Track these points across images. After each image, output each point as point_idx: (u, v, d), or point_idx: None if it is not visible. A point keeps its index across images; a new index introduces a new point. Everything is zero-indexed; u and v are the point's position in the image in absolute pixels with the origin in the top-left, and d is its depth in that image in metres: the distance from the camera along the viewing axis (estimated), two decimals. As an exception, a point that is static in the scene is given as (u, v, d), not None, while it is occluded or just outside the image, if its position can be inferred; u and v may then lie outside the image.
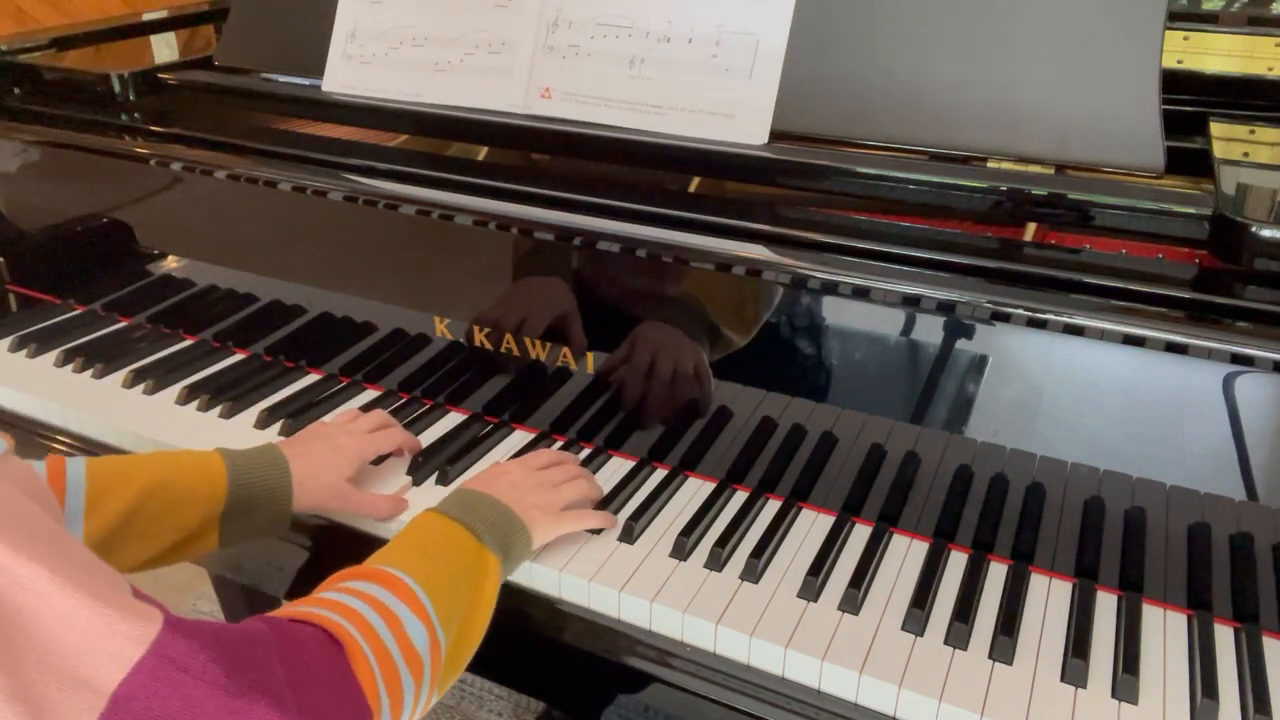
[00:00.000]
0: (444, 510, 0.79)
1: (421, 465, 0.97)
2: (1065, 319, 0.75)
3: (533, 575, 0.85)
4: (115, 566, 0.75)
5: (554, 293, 0.95)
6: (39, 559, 0.47)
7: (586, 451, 1.00)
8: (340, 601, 0.64)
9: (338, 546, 0.94)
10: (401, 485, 0.95)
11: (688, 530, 0.88)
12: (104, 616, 0.48)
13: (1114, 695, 0.73)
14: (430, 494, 0.93)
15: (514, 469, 0.88)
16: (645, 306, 0.93)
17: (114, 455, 0.83)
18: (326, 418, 1.02)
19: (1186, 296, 0.74)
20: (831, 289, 0.83)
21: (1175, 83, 1.00)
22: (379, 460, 0.97)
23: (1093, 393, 0.77)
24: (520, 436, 1.03)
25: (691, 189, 0.97)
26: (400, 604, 0.65)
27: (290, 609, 0.63)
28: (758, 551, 0.85)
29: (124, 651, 0.48)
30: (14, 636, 0.46)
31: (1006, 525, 0.85)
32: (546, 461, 0.91)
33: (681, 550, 0.86)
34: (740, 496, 0.94)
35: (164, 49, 1.50)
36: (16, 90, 1.29)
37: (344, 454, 0.91)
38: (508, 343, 1.00)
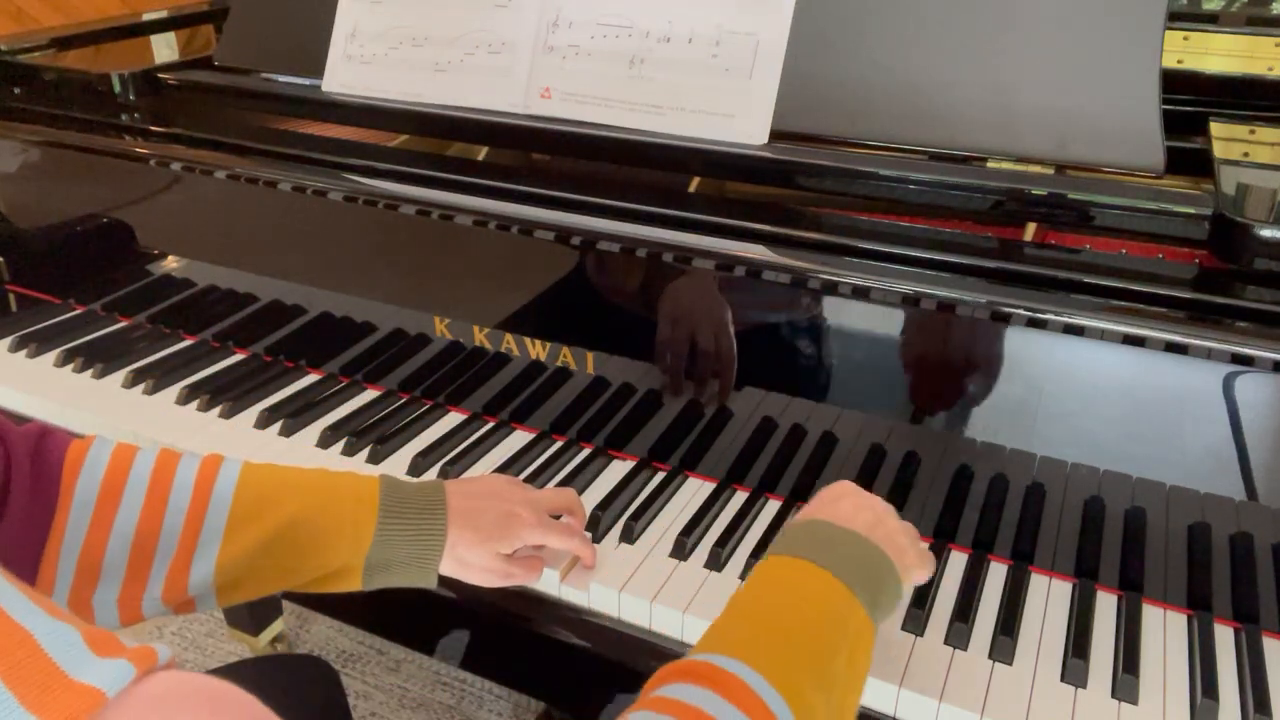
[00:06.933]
0: (790, 548, 0.64)
1: (422, 466, 0.97)
2: (1065, 319, 0.75)
3: (533, 575, 0.85)
4: (245, 594, 0.71)
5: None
6: None
7: (586, 451, 1.00)
8: None
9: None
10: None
11: (688, 530, 0.88)
12: None
13: (1114, 695, 0.73)
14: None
15: (875, 502, 0.72)
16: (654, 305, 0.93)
17: (272, 466, 0.76)
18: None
19: (1186, 296, 0.74)
20: (831, 289, 0.83)
21: (1175, 83, 1.00)
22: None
23: (1093, 393, 0.77)
24: (520, 436, 1.03)
25: (691, 189, 0.97)
26: (734, 710, 0.52)
27: None
28: (758, 551, 0.85)
29: None
30: None
31: (1006, 525, 0.85)
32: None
33: (681, 550, 0.86)
34: (740, 496, 0.94)
35: (164, 49, 1.50)
36: (16, 90, 1.29)
37: (512, 527, 0.78)
38: (508, 343, 1.00)
